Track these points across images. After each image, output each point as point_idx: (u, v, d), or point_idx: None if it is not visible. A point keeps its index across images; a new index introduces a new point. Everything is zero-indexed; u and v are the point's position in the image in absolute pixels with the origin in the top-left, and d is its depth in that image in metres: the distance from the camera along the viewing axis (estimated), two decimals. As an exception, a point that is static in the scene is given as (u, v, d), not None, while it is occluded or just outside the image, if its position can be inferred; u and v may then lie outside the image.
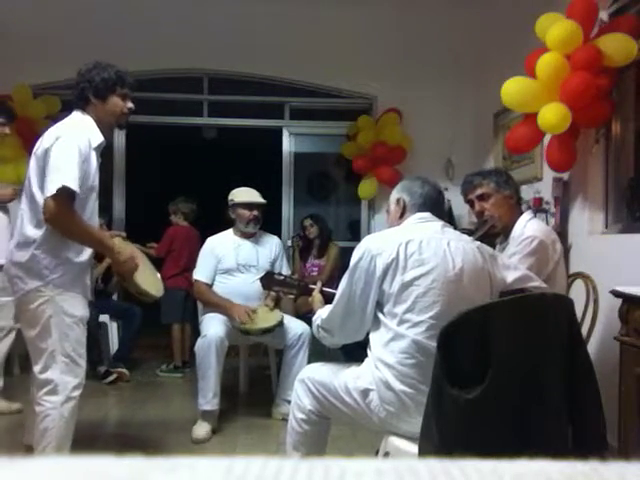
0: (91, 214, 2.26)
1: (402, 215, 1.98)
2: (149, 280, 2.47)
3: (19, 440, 2.50)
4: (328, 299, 2.08)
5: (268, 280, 2.49)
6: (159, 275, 2.72)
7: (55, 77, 4.64)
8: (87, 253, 2.29)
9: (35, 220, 2.17)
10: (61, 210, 2.07)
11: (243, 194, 3.59)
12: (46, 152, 2.11)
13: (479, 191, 2.55)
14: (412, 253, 1.76)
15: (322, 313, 1.99)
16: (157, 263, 3.50)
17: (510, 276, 1.92)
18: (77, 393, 2.21)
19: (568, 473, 0.32)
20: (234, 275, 3.52)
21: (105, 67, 2.29)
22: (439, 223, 1.90)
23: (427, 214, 1.93)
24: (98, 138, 2.26)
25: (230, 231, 3.66)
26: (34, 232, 2.16)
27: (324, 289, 2.22)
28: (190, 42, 4.75)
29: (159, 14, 4.69)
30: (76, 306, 2.22)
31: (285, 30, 4.81)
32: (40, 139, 2.22)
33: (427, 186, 1.99)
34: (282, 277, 2.50)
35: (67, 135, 2.14)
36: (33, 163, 2.19)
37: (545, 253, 2.38)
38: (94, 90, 2.26)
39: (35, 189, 2.16)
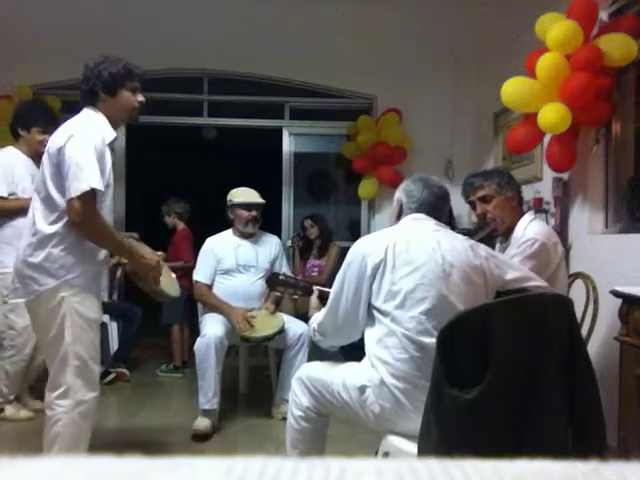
0: (107, 213, 2.23)
1: (399, 216, 2.02)
2: (166, 281, 2.44)
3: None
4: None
5: (273, 281, 2.52)
6: (174, 275, 2.71)
7: (55, 77, 4.65)
8: (103, 253, 2.26)
9: (51, 217, 2.12)
10: (87, 211, 2.04)
11: (242, 194, 3.59)
12: (59, 150, 2.07)
13: (481, 193, 2.53)
14: (400, 252, 1.80)
15: (318, 317, 2.01)
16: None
17: (509, 274, 1.92)
18: (90, 396, 2.16)
19: (568, 473, 0.32)
20: (234, 275, 3.52)
21: (113, 61, 2.24)
22: (431, 222, 1.93)
23: (421, 215, 1.96)
24: (111, 134, 2.22)
25: (229, 231, 3.66)
26: (50, 229, 2.11)
27: (324, 289, 2.23)
28: (190, 42, 4.75)
29: (159, 14, 4.69)
30: (91, 308, 2.17)
31: (285, 30, 4.81)
32: (52, 136, 2.19)
33: (427, 191, 1.99)
34: (287, 278, 2.52)
35: (81, 133, 2.10)
36: (46, 161, 2.15)
37: (546, 256, 2.38)
38: (103, 85, 2.20)
39: (50, 187, 2.11)
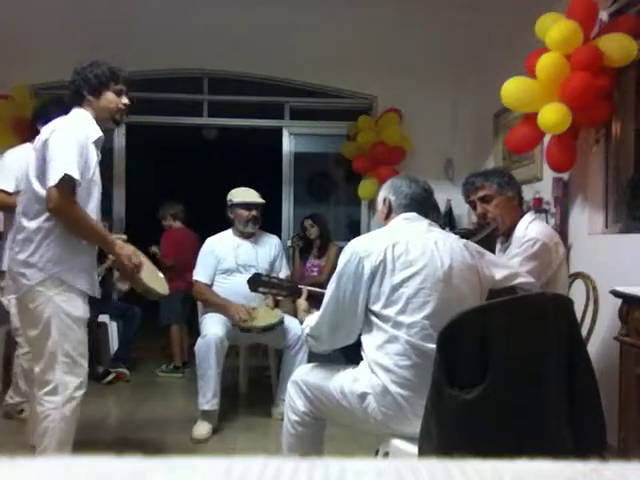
0: (94, 210, 2.26)
1: (388, 215, 1.97)
2: (153, 278, 2.48)
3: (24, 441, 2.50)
4: (318, 300, 2.06)
5: (255, 282, 2.46)
6: (161, 275, 2.72)
7: (55, 77, 4.64)
8: (93, 248, 2.29)
9: (34, 212, 2.16)
10: (64, 199, 2.08)
11: (241, 194, 3.59)
12: (44, 144, 2.13)
13: (481, 193, 2.52)
14: (400, 255, 1.75)
15: (310, 321, 1.95)
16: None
17: (499, 273, 1.91)
18: (79, 393, 2.20)
19: (568, 473, 0.32)
20: (234, 275, 3.52)
21: (99, 64, 2.31)
22: (424, 222, 1.89)
23: (413, 214, 1.92)
24: (96, 132, 2.27)
25: (229, 231, 3.66)
26: (34, 224, 2.15)
27: (314, 289, 2.21)
28: (190, 42, 4.75)
29: (159, 14, 4.69)
30: (76, 306, 2.20)
31: (285, 30, 4.81)
32: (39, 135, 2.24)
33: (414, 186, 1.96)
34: (269, 278, 2.47)
35: (63, 127, 2.17)
36: (33, 157, 2.21)
37: (547, 256, 2.37)
38: (88, 87, 2.28)
39: (33, 181, 2.16)
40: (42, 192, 2.13)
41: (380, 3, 4.57)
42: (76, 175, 2.08)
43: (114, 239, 2.33)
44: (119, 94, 2.34)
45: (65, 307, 2.16)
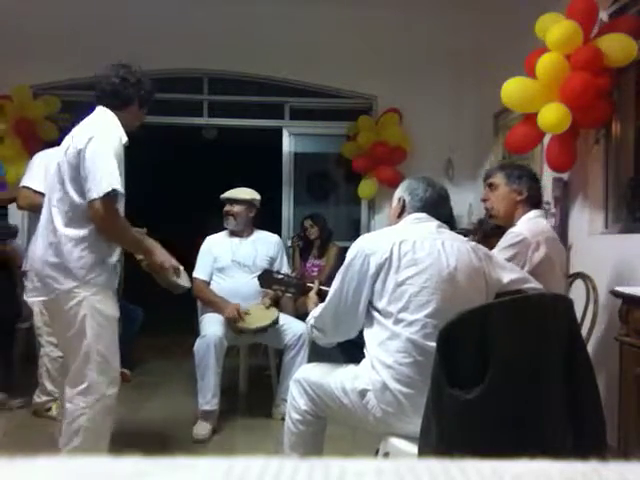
0: (122, 213, 2.28)
1: (400, 214, 2.00)
2: (177, 272, 2.53)
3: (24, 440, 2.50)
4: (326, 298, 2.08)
5: (266, 278, 2.48)
6: (182, 267, 2.76)
7: (55, 77, 4.65)
8: (117, 254, 2.31)
9: (70, 219, 2.16)
10: (110, 213, 2.10)
11: (230, 191, 3.61)
12: (79, 153, 2.11)
13: (490, 180, 2.59)
14: (406, 253, 1.77)
15: (315, 312, 1.99)
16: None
17: (506, 277, 1.91)
18: (112, 392, 2.22)
19: (568, 473, 0.32)
20: (231, 274, 3.52)
21: (145, 79, 2.37)
22: (434, 223, 1.91)
23: (423, 215, 1.94)
24: (124, 136, 2.28)
25: (228, 230, 3.68)
26: (72, 232, 2.15)
27: (323, 288, 2.22)
28: (190, 42, 4.75)
29: (159, 14, 4.69)
30: (109, 306, 2.23)
31: (285, 30, 4.81)
32: (69, 137, 2.22)
33: (430, 190, 1.98)
34: (280, 275, 2.48)
35: (100, 134, 2.15)
36: (63, 162, 2.17)
37: (524, 251, 2.31)
38: (140, 98, 2.33)
39: (69, 188, 2.15)
40: (79, 201, 2.13)
41: (380, 3, 4.57)
42: (121, 188, 2.11)
43: (152, 244, 2.37)
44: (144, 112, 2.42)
45: (100, 307, 2.18)
